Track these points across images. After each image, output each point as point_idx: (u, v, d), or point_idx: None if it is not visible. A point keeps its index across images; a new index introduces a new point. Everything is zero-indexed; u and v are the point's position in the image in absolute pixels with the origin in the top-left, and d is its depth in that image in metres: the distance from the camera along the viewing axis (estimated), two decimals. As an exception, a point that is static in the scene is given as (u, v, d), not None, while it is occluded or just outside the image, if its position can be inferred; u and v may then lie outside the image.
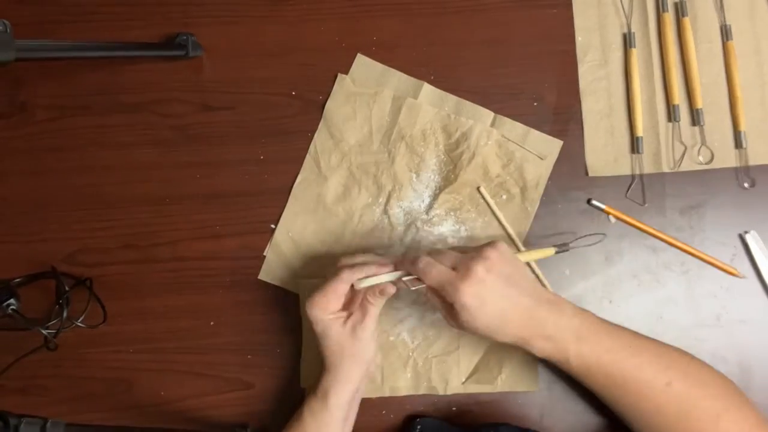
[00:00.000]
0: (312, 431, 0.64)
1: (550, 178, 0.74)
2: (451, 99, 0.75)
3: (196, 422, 0.73)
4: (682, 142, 0.75)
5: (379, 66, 0.76)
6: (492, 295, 0.59)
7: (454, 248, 0.64)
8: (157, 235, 0.75)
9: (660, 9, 0.76)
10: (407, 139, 0.75)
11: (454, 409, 0.73)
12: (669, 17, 0.76)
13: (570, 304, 0.63)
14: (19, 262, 0.75)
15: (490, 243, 0.62)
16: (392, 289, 0.64)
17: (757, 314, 0.73)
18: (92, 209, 0.75)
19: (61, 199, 0.76)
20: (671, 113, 0.75)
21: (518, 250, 0.73)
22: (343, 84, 0.76)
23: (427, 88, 0.75)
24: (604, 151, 0.75)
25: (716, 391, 0.61)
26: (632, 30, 0.76)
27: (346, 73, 0.76)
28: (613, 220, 0.74)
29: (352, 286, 0.64)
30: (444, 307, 0.62)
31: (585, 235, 0.72)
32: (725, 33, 0.76)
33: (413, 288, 0.63)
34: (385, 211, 0.75)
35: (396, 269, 0.64)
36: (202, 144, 0.76)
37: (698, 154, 0.75)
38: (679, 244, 0.73)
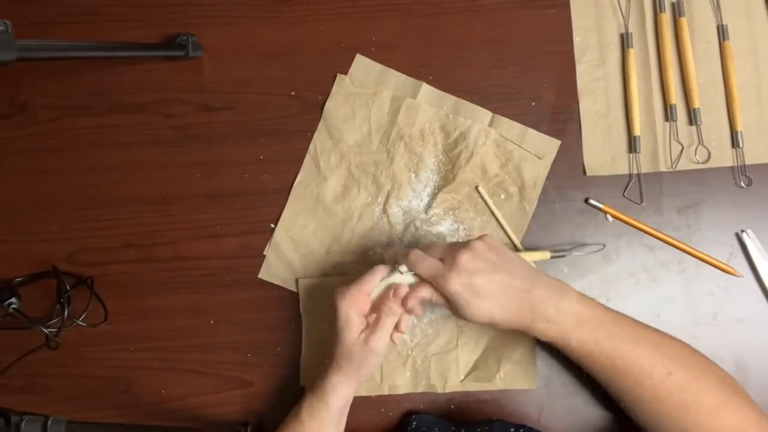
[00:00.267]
0: (310, 430, 0.64)
1: (548, 178, 0.75)
2: (450, 99, 0.76)
3: (196, 420, 0.74)
4: (679, 142, 0.75)
5: (378, 66, 0.76)
6: (481, 282, 0.60)
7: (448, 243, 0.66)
8: (158, 234, 0.75)
9: (657, 9, 0.76)
10: (406, 139, 0.75)
11: (452, 407, 0.73)
12: (666, 17, 0.76)
13: (575, 290, 0.63)
14: (20, 261, 0.75)
15: (478, 236, 0.64)
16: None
17: (753, 313, 0.74)
18: (93, 209, 0.76)
19: (62, 198, 0.76)
20: (668, 113, 0.75)
21: (516, 249, 0.74)
22: (342, 84, 0.76)
23: (426, 88, 0.76)
24: (602, 151, 0.75)
25: (717, 384, 0.61)
26: (630, 30, 0.76)
27: (346, 73, 0.76)
28: (610, 219, 0.75)
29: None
30: (444, 300, 0.63)
31: (584, 244, 0.73)
32: (722, 33, 0.76)
33: (410, 278, 0.64)
34: (384, 211, 0.75)
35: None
36: (202, 144, 0.76)
37: (695, 153, 0.75)
38: (676, 243, 0.74)
